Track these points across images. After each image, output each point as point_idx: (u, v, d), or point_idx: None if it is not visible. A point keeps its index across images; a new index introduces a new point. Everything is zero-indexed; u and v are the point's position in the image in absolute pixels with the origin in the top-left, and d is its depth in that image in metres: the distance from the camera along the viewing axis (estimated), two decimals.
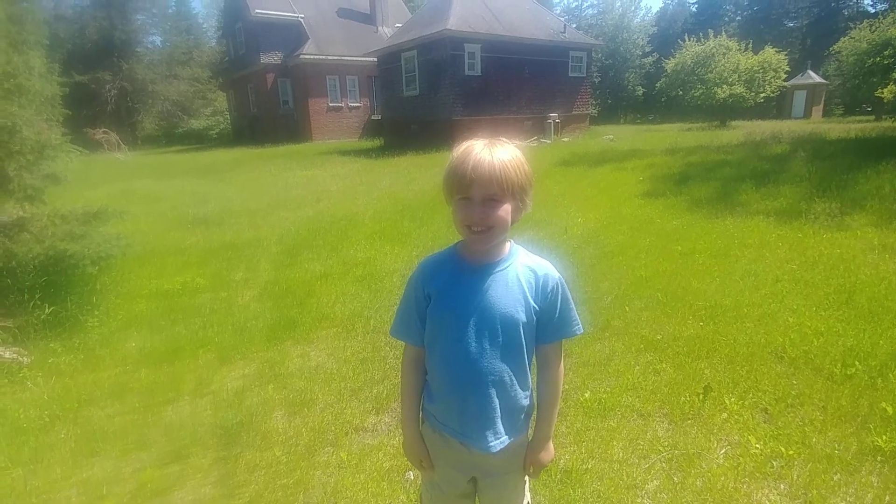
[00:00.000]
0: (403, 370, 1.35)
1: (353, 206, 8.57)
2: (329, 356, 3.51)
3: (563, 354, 1.31)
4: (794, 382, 2.78)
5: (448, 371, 1.23)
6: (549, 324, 1.23)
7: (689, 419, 2.56)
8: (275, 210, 8.62)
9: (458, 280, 1.21)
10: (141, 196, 10.41)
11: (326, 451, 2.50)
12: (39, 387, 3.22)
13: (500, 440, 1.24)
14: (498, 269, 1.20)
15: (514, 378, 1.23)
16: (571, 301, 1.26)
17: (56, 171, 4.25)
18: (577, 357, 3.22)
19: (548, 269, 1.24)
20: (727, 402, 2.65)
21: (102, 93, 33.86)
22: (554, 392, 1.31)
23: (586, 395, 2.80)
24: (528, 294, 1.19)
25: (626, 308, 3.91)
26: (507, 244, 1.23)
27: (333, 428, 2.67)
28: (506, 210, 1.12)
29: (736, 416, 2.54)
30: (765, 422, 2.51)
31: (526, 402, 1.28)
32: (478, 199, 1.10)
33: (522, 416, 1.29)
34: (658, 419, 2.59)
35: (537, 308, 1.21)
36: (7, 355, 3.45)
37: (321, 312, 4.23)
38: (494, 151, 1.10)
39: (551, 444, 1.35)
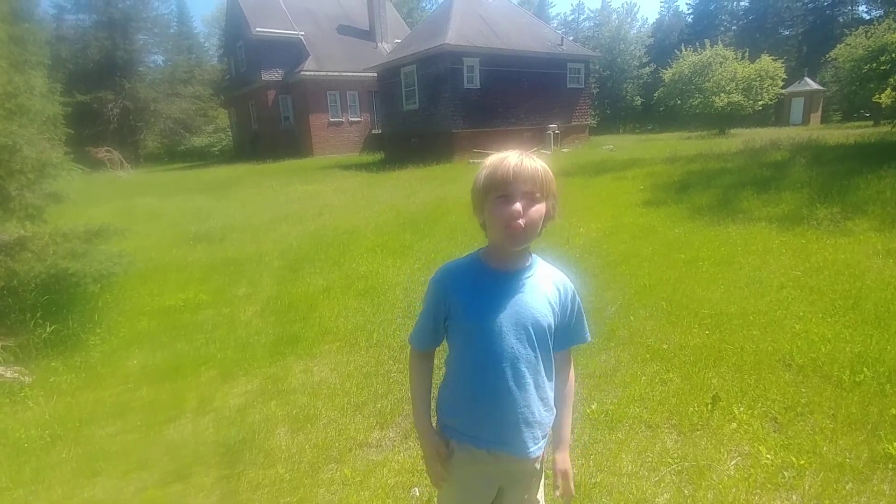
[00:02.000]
0: (414, 364, 1.36)
1: (354, 219, 8.58)
2: (332, 371, 3.48)
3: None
4: (803, 390, 2.74)
5: (483, 379, 1.21)
6: (566, 331, 1.28)
7: (698, 430, 2.52)
8: (277, 225, 8.64)
9: (486, 287, 1.21)
10: (143, 213, 10.46)
11: (330, 468, 2.46)
12: (41, 406, 3.19)
13: (538, 445, 1.26)
14: (527, 274, 1.23)
15: (545, 381, 1.25)
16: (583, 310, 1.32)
17: (58, 189, 4.27)
18: (583, 368, 3.19)
19: (566, 278, 1.30)
20: (736, 411, 2.61)
21: (105, 112, 34.19)
22: (571, 395, 1.36)
23: (593, 406, 2.76)
24: (553, 301, 1.23)
25: (631, 317, 3.89)
26: (529, 254, 1.26)
27: (337, 444, 2.64)
28: (540, 211, 1.14)
29: (745, 426, 2.50)
30: (775, 431, 2.47)
31: (553, 403, 1.30)
32: (518, 195, 1.11)
33: (552, 419, 1.30)
34: (666, 430, 2.55)
35: (559, 315, 1.25)
36: (8, 374, 3.43)
37: (324, 327, 4.21)
38: (532, 158, 1.15)
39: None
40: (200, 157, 34.79)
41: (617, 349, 3.42)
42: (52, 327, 3.91)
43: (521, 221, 1.11)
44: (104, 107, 34.14)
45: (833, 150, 10.44)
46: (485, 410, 1.22)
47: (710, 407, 2.65)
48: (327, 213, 9.51)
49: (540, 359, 1.22)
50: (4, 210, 3.91)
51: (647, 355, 3.30)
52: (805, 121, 29.21)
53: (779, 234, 5.61)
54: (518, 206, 1.11)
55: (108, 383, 3.50)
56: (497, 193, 1.13)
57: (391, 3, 31.24)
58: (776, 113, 30.41)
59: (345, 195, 11.65)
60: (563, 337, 1.28)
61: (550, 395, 1.28)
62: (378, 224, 8.02)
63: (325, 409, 2.99)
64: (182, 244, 7.59)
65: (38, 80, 4.27)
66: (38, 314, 3.93)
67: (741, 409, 2.63)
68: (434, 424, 1.34)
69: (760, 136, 16.84)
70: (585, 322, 1.31)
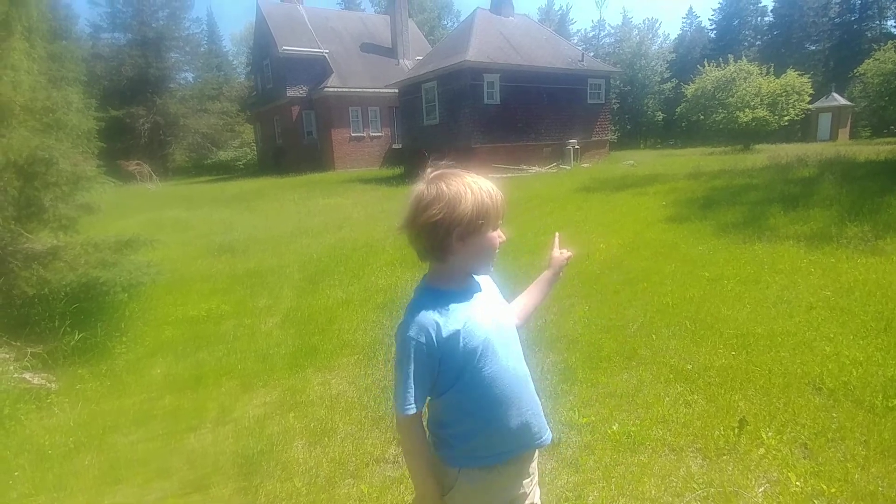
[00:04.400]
0: (414, 429, 1.23)
1: (374, 233, 8.65)
2: (350, 384, 3.49)
3: None
4: (834, 415, 2.64)
5: (501, 391, 1.23)
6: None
7: (724, 454, 2.44)
8: (298, 237, 8.75)
9: (468, 309, 1.23)
10: (171, 225, 10.71)
11: (347, 483, 2.45)
12: (66, 413, 3.27)
13: (548, 432, 1.35)
14: (480, 280, 1.33)
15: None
16: None
17: (90, 201, 4.42)
18: (604, 387, 3.13)
19: None
20: (764, 436, 2.52)
21: (136, 126, 35.39)
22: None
23: (614, 427, 2.70)
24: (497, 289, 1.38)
25: (653, 336, 3.81)
26: None
27: (354, 459, 2.63)
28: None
29: (774, 452, 2.41)
30: (804, 457, 2.38)
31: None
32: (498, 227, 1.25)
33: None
34: (691, 454, 2.47)
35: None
36: (35, 381, 3.52)
37: (342, 339, 4.22)
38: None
39: None
40: (226, 171, 35.61)
41: (639, 368, 3.35)
42: (80, 335, 4.01)
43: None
44: (136, 122, 35.35)
45: (863, 167, 10.18)
46: (506, 420, 1.25)
47: (736, 431, 2.57)
48: (347, 226, 9.61)
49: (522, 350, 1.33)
50: (39, 221, 4.05)
51: (671, 375, 3.22)
52: (833, 136, 28.59)
53: (807, 252, 5.46)
54: (502, 234, 1.26)
55: (132, 391, 3.56)
56: (493, 226, 1.22)
57: (413, 21, 31.80)
58: (803, 129, 29.84)
59: (365, 209, 11.77)
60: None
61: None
62: (397, 238, 8.04)
63: (343, 422, 2.99)
64: (207, 255, 7.74)
65: (75, 95, 4.46)
66: (67, 322, 4.04)
67: (769, 433, 2.54)
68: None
69: (787, 151, 16.49)
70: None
